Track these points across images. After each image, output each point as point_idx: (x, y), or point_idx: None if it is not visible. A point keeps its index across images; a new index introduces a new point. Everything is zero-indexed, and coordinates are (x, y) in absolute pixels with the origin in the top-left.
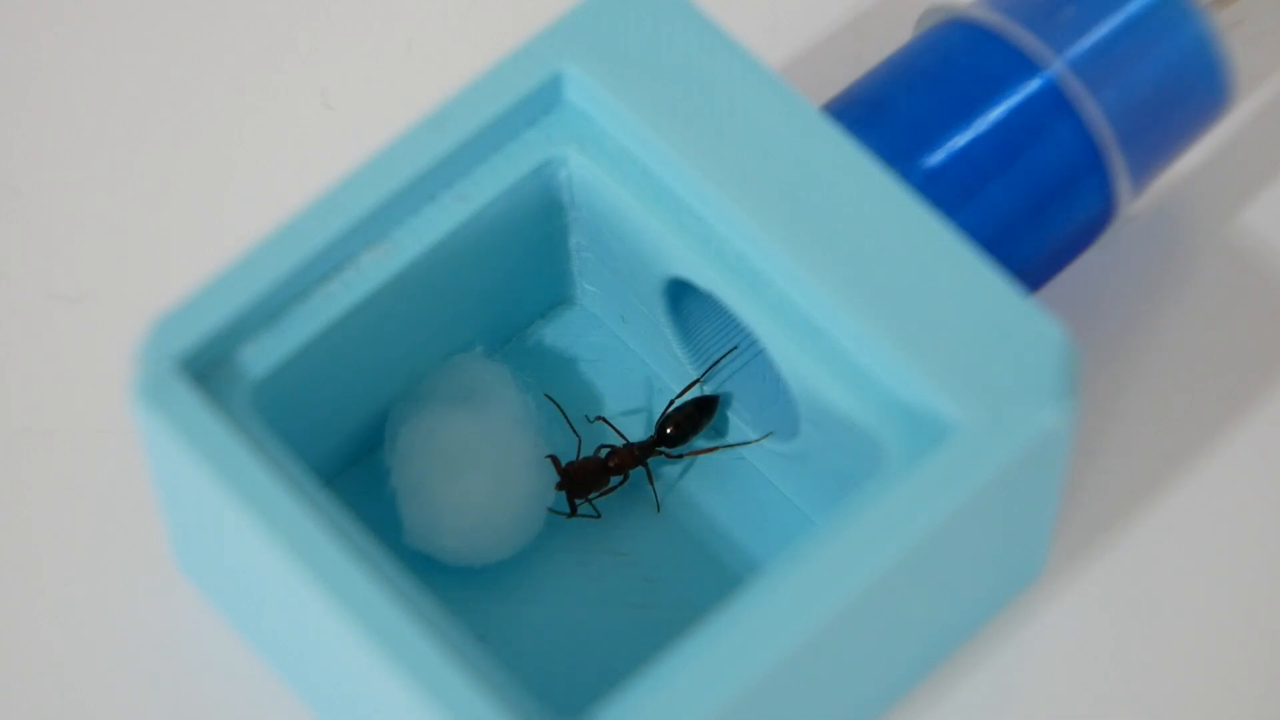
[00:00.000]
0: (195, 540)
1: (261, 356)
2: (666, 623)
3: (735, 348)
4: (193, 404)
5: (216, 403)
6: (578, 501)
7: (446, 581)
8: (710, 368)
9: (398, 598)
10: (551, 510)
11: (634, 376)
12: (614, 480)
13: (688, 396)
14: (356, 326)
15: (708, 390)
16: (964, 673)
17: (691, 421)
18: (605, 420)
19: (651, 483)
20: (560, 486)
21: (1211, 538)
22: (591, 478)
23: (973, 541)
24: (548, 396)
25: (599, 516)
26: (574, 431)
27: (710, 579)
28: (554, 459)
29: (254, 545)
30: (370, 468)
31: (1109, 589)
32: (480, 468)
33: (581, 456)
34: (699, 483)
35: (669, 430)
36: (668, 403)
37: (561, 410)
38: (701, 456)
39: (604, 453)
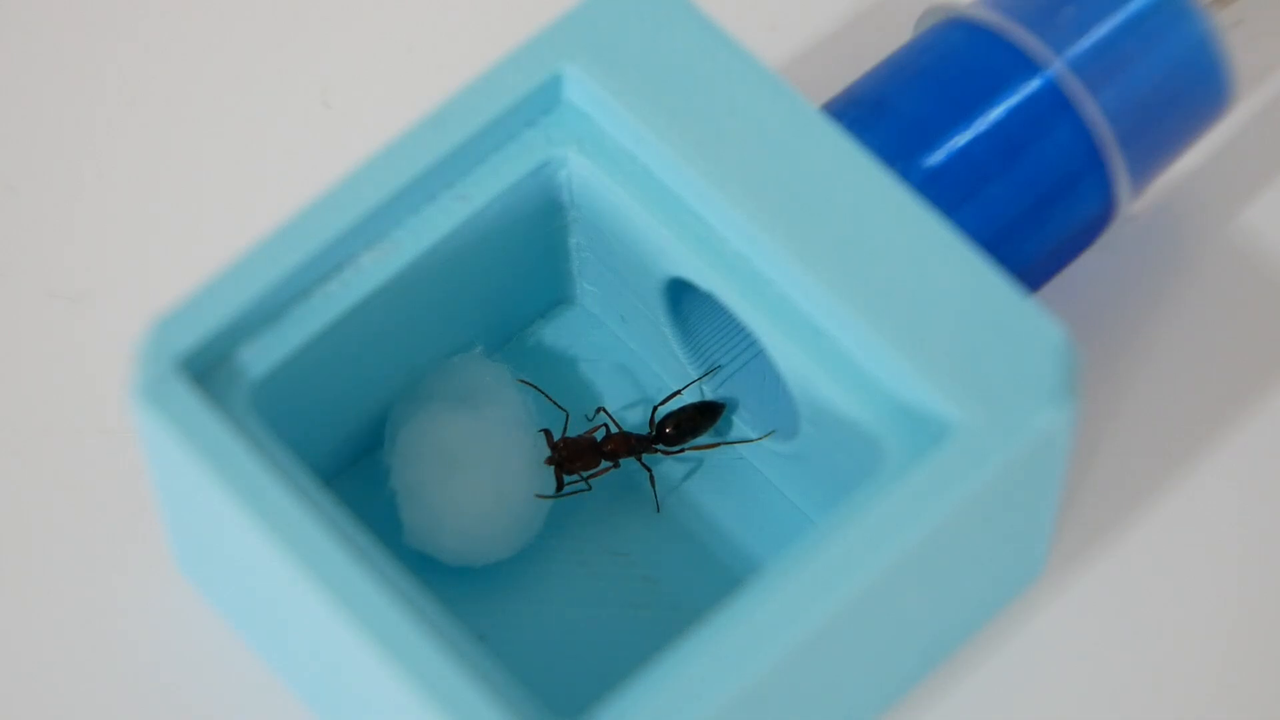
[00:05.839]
0: (195, 540)
1: (261, 356)
2: (666, 623)
3: (735, 359)
4: (193, 404)
5: (216, 403)
6: (566, 479)
7: (446, 581)
8: (709, 372)
9: (398, 598)
10: (539, 496)
11: (634, 376)
12: (604, 464)
13: (689, 397)
14: (356, 326)
15: (708, 391)
16: (964, 673)
17: (692, 424)
18: (606, 411)
19: (652, 483)
20: (550, 461)
21: (1211, 538)
22: (581, 454)
23: (973, 541)
24: (524, 381)
25: (590, 488)
26: (559, 408)
27: (710, 579)
28: (546, 433)
29: (254, 545)
30: (370, 468)
31: (1109, 589)
32: (480, 468)
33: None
34: (699, 483)
35: (669, 430)
36: (663, 399)
37: (540, 390)
38: (702, 458)
39: (600, 435)
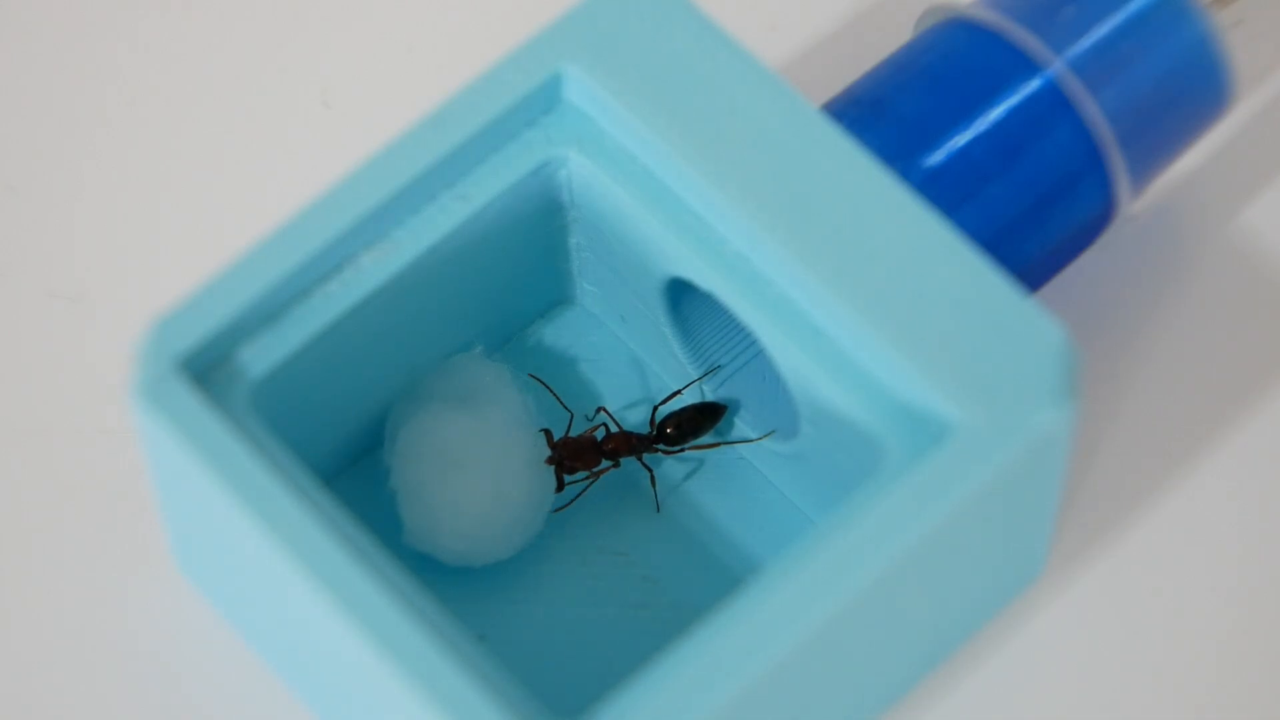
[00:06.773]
0: (195, 540)
1: (261, 356)
2: (666, 623)
3: (735, 359)
4: (192, 404)
5: (216, 403)
6: (566, 478)
7: (446, 581)
8: (709, 372)
9: (398, 598)
10: (555, 511)
11: (634, 376)
12: (605, 463)
13: (690, 397)
14: (356, 326)
15: (708, 391)
16: (964, 673)
17: (693, 424)
18: (606, 411)
19: (653, 483)
20: (550, 460)
21: (1211, 537)
22: (581, 453)
23: (973, 541)
24: (533, 376)
25: (594, 481)
26: (565, 407)
27: (710, 579)
28: (547, 432)
29: (254, 545)
30: (370, 468)
31: (1109, 589)
32: (480, 468)
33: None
34: (699, 483)
35: (670, 430)
36: (664, 399)
37: (548, 386)
38: (702, 458)
39: (600, 434)
